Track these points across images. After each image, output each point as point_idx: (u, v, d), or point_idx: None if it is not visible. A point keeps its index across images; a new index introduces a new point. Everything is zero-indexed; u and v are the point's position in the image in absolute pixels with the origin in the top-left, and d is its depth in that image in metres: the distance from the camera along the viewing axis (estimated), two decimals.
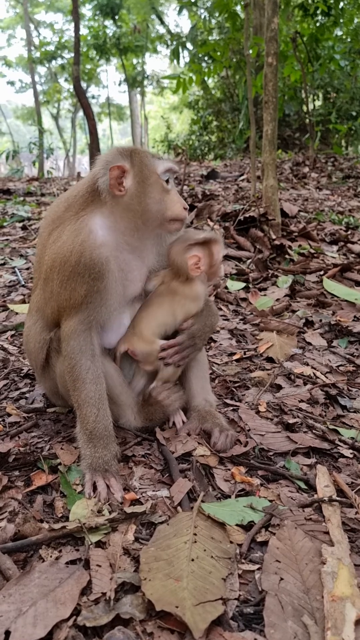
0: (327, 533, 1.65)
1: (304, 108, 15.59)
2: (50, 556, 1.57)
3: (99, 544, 1.61)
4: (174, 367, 2.15)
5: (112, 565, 1.53)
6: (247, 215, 5.59)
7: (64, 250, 1.91)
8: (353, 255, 5.60)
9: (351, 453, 2.11)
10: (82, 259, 1.87)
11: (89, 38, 28.19)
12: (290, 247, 5.35)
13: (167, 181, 1.99)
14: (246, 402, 2.50)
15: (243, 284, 4.30)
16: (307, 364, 2.94)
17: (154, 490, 1.88)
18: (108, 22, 28.70)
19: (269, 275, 4.64)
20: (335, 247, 5.87)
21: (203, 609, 1.36)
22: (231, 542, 1.62)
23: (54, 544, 1.62)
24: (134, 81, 31.88)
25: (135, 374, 2.29)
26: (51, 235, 2.01)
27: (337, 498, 1.78)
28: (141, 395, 2.23)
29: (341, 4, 13.69)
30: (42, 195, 9.65)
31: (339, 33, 17.03)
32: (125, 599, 1.41)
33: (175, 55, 10.80)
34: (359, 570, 1.51)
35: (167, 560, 1.52)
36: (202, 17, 17.37)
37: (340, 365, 2.95)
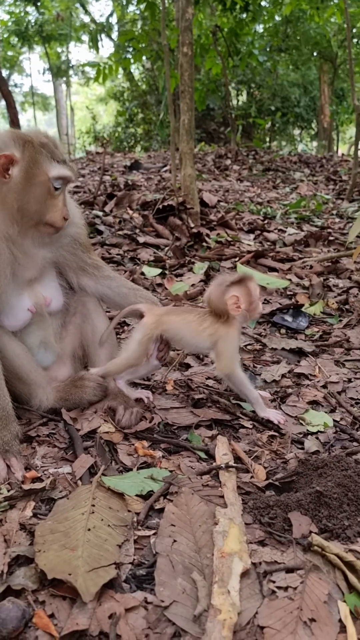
0: (222, 497, 1.72)
1: (227, 102, 15.86)
2: None
3: None
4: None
5: (7, 541, 1.52)
6: (166, 204, 5.64)
7: None
8: (268, 243, 5.79)
9: (251, 424, 2.20)
10: None
11: (9, 24, 27.16)
12: (208, 235, 5.46)
13: (57, 188, 1.97)
14: (154, 381, 2.54)
15: (159, 270, 4.34)
16: None
17: (55, 468, 1.88)
18: (30, 9, 27.78)
19: (186, 262, 4.72)
20: (252, 236, 6.04)
21: (95, 574, 1.39)
22: (129, 511, 1.66)
23: None
24: (59, 70, 31.10)
25: (60, 362, 2.30)
26: None
27: (234, 464, 1.86)
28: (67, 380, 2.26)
29: (264, 2, 14.06)
30: None
31: (260, 30, 17.46)
32: (18, 571, 1.42)
33: (94, 43, 10.66)
34: (249, 529, 1.59)
35: (63, 532, 1.53)
36: (121, 5, 17.20)
37: (248, 344, 3.06)
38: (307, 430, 2.18)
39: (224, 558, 1.45)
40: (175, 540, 1.52)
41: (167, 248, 5.01)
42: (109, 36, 15.40)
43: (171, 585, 1.37)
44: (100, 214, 5.82)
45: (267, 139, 21.36)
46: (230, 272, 2.29)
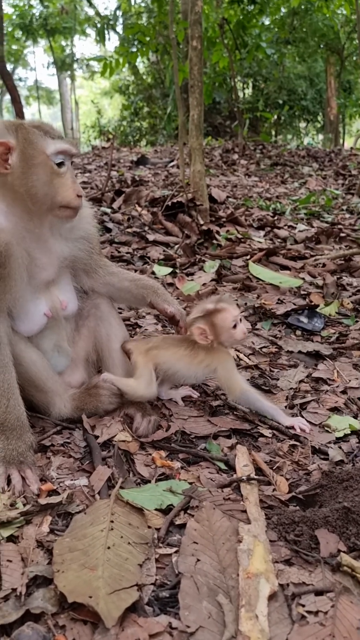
0: (245, 511, 1.66)
1: (234, 96, 15.72)
2: None
3: (11, 539, 1.55)
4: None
5: (25, 560, 1.47)
6: (175, 200, 5.56)
7: None
8: (279, 240, 5.71)
9: (270, 433, 2.14)
10: None
11: (14, 17, 27.01)
12: (218, 232, 5.38)
13: (60, 164, 1.88)
14: (171, 387, 2.48)
15: (170, 269, 4.28)
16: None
17: (72, 480, 1.82)
18: (34, 2, 27.61)
19: (196, 260, 4.65)
20: (262, 233, 5.96)
21: (117, 596, 1.34)
22: (149, 527, 1.60)
23: None
24: (63, 64, 30.95)
25: (73, 366, 2.26)
26: None
27: (255, 476, 1.80)
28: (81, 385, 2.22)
29: None
30: None
31: (267, 22, 17.27)
32: (37, 593, 1.36)
33: (100, 36, 10.54)
34: (274, 547, 1.53)
35: (82, 550, 1.48)
36: None
37: (264, 347, 3.00)
38: (335, 437, 2.12)
39: (250, 579, 1.39)
40: (198, 560, 1.46)
41: (177, 246, 4.94)
42: (114, 29, 15.26)
43: (196, 609, 1.31)
44: (109, 210, 5.75)
45: (273, 133, 21.18)
46: (210, 298, 2.22)
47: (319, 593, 1.37)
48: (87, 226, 2.16)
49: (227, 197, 7.32)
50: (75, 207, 1.93)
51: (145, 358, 2.14)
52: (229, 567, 1.45)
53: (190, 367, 2.14)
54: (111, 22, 14.00)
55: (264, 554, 1.47)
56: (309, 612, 1.32)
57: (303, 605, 1.34)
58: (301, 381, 2.57)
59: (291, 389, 2.49)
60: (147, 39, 10.21)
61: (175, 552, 1.51)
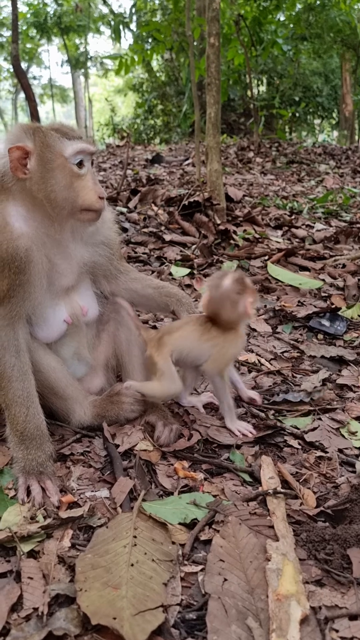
0: (272, 527, 1.60)
1: (249, 93, 15.59)
2: None
3: (32, 554, 1.51)
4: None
5: (46, 577, 1.43)
6: (191, 200, 5.49)
7: None
8: (297, 239, 5.62)
9: (297, 442, 2.07)
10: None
11: (28, 16, 27.07)
12: (235, 232, 5.31)
13: (80, 164, 1.82)
14: (192, 393, 2.42)
15: (188, 270, 4.21)
16: (252, 351, 2.89)
17: (93, 491, 1.78)
18: (49, 0, 27.65)
19: (214, 260, 4.58)
20: (279, 232, 5.87)
21: (142, 618, 1.29)
22: (173, 543, 1.55)
23: None
24: (77, 62, 30.98)
25: (93, 373, 2.22)
26: None
27: (282, 490, 1.74)
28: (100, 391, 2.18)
29: None
30: None
31: (282, 18, 17.09)
32: (59, 613, 1.32)
33: (116, 34, 10.49)
34: (304, 566, 1.47)
35: (105, 567, 1.43)
36: None
37: (285, 351, 2.93)
38: (353, 445, 2.05)
39: (280, 601, 1.33)
40: (225, 579, 1.41)
41: (194, 246, 4.88)
42: (127, 27, 15.18)
43: (225, 634, 1.26)
44: (125, 210, 5.70)
45: (288, 130, 20.99)
46: (218, 272, 2.15)
47: (353, 617, 1.31)
48: (108, 231, 2.11)
49: (244, 195, 7.24)
50: (98, 209, 1.87)
51: (160, 351, 2.05)
52: (257, 587, 1.39)
53: (201, 344, 2.05)
54: (126, 20, 13.91)
55: (294, 574, 1.41)
56: (343, 638, 1.26)
57: (337, 630, 1.28)
58: (324, 386, 2.49)
59: (315, 391, 2.41)
60: (162, 36, 10.14)
61: (201, 570, 1.46)
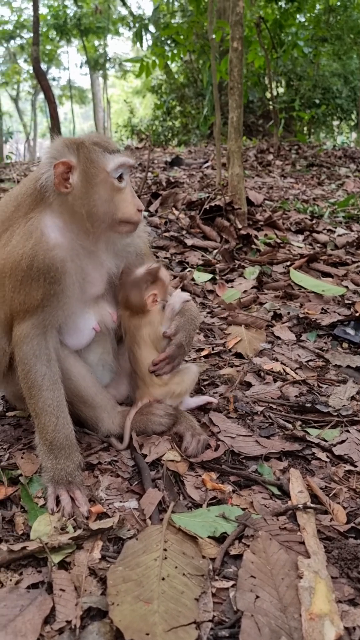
0: (303, 543, 1.59)
1: (267, 95, 15.54)
2: (10, 580, 1.46)
3: (63, 565, 1.51)
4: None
5: (77, 589, 1.43)
6: (212, 204, 5.48)
7: (15, 255, 1.77)
8: (319, 245, 5.58)
9: (326, 455, 2.05)
10: (35, 263, 1.74)
11: (48, 18, 27.28)
12: (256, 236, 5.28)
13: (120, 178, 1.83)
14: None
15: (210, 275, 4.21)
16: (277, 360, 2.88)
17: (121, 502, 1.78)
18: (68, 2, 27.85)
19: (236, 266, 4.57)
20: (301, 237, 5.83)
21: (175, 634, 1.28)
22: (204, 557, 1.54)
23: (13, 566, 1.51)
24: (96, 64, 31.15)
25: (117, 380, 2.23)
26: (0, 239, 1.87)
27: (312, 505, 1.72)
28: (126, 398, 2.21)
29: None
30: (1, 181, 9.30)
31: (302, 20, 17.00)
32: (91, 626, 1.32)
33: (138, 37, 10.52)
34: (336, 584, 1.45)
35: (136, 581, 1.43)
36: None
37: (310, 360, 2.90)
38: None
39: (314, 621, 1.32)
40: (257, 596, 1.39)
41: (215, 251, 4.87)
42: (147, 29, 15.20)
43: None
44: (146, 214, 5.70)
45: (307, 132, 20.85)
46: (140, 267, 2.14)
47: None
48: (138, 240, 2.11)
49: (264, 199, 7.20)
50: (136, 222, 1.89)
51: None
52: (290, 605, 1.38)
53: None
54: (147, 22, 13.94)
55: (326, 593, 1.40)
56: None
57: None
58: (352, 398, 2.47)
59: (343, 406, 2.39)
60: (182, 38, 10.14)
61: (232, 585, 1.45)
